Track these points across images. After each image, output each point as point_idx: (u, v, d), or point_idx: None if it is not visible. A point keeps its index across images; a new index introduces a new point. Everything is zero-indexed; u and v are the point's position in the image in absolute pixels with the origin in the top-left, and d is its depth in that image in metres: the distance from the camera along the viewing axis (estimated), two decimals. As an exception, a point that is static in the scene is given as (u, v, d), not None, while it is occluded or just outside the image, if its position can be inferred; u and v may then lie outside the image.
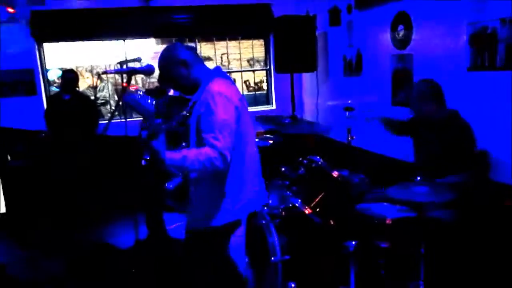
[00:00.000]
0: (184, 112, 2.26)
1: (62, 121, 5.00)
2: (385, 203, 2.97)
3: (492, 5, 3.01)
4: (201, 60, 2.23)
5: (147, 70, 2.13)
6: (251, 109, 6.41)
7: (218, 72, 2.25)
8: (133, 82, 6.93)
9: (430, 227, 2.61)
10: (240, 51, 6.64)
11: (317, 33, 5.30)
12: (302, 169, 2.91)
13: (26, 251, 4.34)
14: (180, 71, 2.14)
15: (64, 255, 3.96)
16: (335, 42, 5.34)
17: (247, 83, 9.37)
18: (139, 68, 2.14)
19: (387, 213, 2.84)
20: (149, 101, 2.05)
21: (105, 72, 2.11)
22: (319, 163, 2.81)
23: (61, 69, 5.69)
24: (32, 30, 5.35)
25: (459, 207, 2.61)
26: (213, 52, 6.68)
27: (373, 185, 3.22)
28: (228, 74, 2.35)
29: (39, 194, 4.89)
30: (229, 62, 7.65)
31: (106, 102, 7.41)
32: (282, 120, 3.24)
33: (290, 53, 5.18)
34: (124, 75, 2.12)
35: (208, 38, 6.43)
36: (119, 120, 5.45)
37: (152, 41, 6.87)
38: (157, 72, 2.31)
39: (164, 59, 2.17)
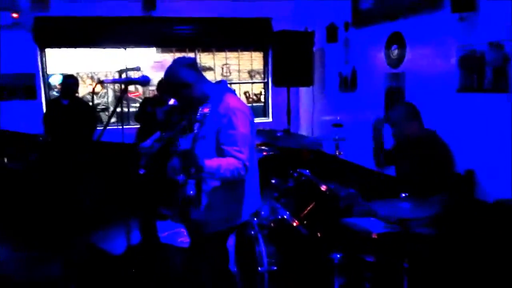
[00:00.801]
0: (185, 122, 2.38)
1: (60, 126, 5.06)
2: (372, 218, 3.04)
3: (481, 29, 3.11)
4: (203, 76, 2.35)
5: (143, 81, 2.21)
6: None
7: (227, 88, 2.42)
8: (133, 89, 7.02)
9: (414, 242, 2.67)
10: (239, 62, 6.75)
11: (314, 49, 5.40)
12: (292, 181, 2.98)
13: (20, 252, 4.39)
14: (183, 92, 2.29)
15: (60, 258, 4.00)
16: (331, 58, 5.45)
17: (247, 94, 9.49)
18: (135, 78, 2.23)
19: (373, 227, 2.90)
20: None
21: (102, 82, 2.18)
22: (308, 176, 2.88)
23: (62, 74, 5.75)
24: (35, 35, 5.44)
25: (442, 224, 2.68)
26: (213, 62, 6.78)
27: (361, 198, 3.29)
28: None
29: (34, 196, 4.94)
30: (229, 73, 7.76)
31: (106, 109, 7.51)
32: (275, 133, 3.31)
33: (288, 67, 5.29)
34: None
35: (208, 49, 6.54)
36: (116, 127, 5.57)
37: (152, 50, 6.97)
38: (155, 81, 2.43)
39: (167, 79, 2.32)
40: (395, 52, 4.10)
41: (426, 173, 2.72)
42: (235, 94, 2.48)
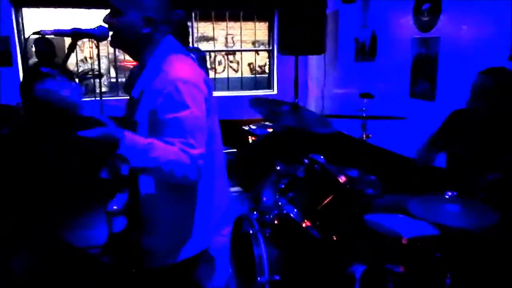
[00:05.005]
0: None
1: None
2: (401, 215, 2.45)
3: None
4: (169, 27, 1.62)
5: (98, 34, 1.58)
6: (249, 93, 5.87)
7: (173, 47, 1.58)
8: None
9: (459, 249, 2.09)
10: (241, 32, 6.10)
11: (327, 11, 4.71)
12: (301, 170, 2.37)
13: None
14: (140, 30, 1.52)
15: (25, 251, 3.46)
16: (347, 22, 4.77)
17: (251, 66, 8.80)
18: (86, 30, 1.58)
19: (403, 229, 2.31)
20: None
21: (38, 33, 1.55)
22: (323, 164, 2.27)
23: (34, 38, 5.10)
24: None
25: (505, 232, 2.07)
26: (212, 33, 6.12)
27: (388, 191, 2.69)
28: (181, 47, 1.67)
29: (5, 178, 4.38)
30: (233, 43, 7.14)
31: (99, 76, 6.90)
32: (279, 106, 2.67)
33: (296, 32, 4.61)
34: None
35: (207, 17, 5.85)
36: (93, 99, 4.97)
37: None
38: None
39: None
40: (427, 12, 3.41)
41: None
42: (187, 55, 1.60)
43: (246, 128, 5.05)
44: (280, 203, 2.32)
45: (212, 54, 6.68)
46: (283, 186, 2.44)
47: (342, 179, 2.19)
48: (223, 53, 7.67)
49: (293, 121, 2.73)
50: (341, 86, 4.84)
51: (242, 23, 5.98)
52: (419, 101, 3.57)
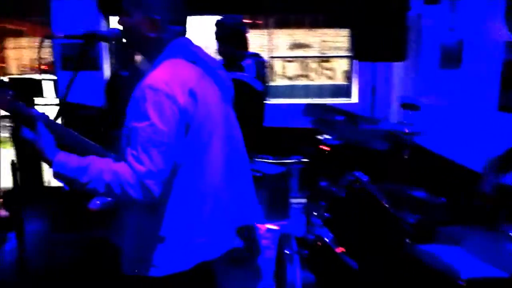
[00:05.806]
0: None
1: (118, 99, 4.69)
2: (460, 247, 2.08)
3: None
4: (183, 30, 1.51)
5: (109, 36, 1.54)
6: (326, 101, 5.61)
7: (178, 51, 1.47)
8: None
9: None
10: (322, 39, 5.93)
11: (409, 14, 4.32)
12: (343, 188, 2.12)
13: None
14: (144, 32, 1.45)
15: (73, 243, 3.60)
16: (431, 25, 4.31)
17: (346, 73, 8.53)
18: (98, 32, 1.56)
19: (462, 266, 1.95)
20: None
21: (48, 37, 1.55)
22: (365, 184, 2.00)
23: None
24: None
25: None
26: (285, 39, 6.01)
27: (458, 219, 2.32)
28: (198, 53, 1.52)
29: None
30: (328, 50, 6.99)
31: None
32: (333, 116, 2.44)
33: (375, 37, 4.29)
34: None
35: (283, 24, 5.75)
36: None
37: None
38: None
39: None
40: (521, 11, 2.93)
41: None
42: (190, 60, 1.47)
43: (320, 137, 4.84)
44: (314, 225, 2.10)
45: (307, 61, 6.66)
46: (324, 204, 2.21)
47: (385, 202, 1.91)
48: (318, 60, 7.55)
49: (345, 133, 2.49)
50: (422, 96, 4.41)
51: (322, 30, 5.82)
52: (509, 114, 3.07)
